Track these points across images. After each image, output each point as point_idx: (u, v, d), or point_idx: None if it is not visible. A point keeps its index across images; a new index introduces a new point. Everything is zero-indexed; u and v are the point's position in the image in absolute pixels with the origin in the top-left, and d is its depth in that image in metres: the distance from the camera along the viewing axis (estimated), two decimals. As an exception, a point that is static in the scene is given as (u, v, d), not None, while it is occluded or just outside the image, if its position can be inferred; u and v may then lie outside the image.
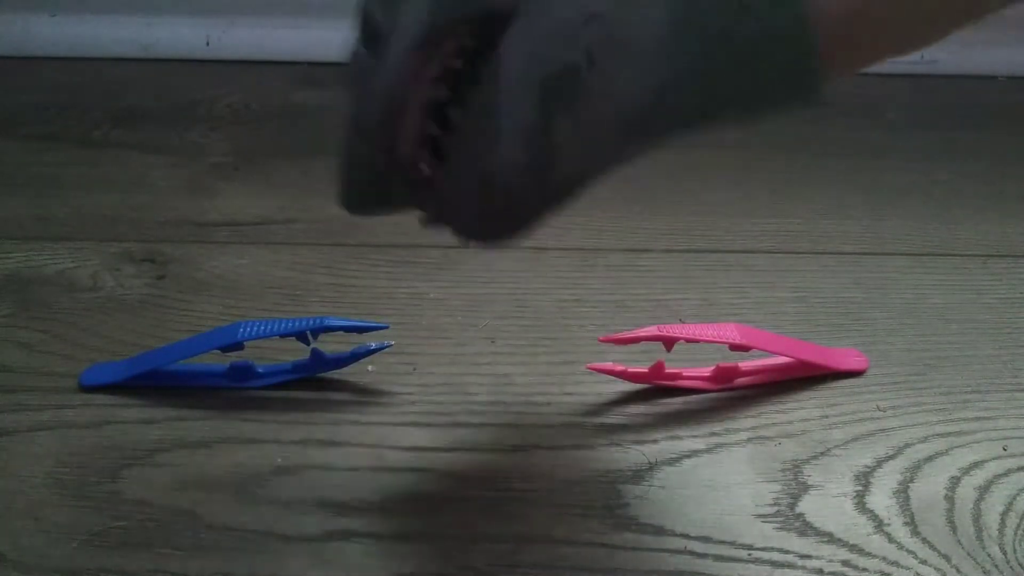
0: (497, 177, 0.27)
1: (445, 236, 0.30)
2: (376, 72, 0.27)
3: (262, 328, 0.39)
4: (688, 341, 0.39)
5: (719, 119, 0.26)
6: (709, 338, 0.39)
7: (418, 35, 0.26)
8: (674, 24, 0.25)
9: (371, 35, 0.27)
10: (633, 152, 0.27)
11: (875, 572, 0.34)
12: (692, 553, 0.34)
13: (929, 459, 0.38)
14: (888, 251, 0.49)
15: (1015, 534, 0.35)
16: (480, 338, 0.43)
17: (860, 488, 0.37)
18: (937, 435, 0.39)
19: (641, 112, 0.26)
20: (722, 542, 0.35)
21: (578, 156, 0.27)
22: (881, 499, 0.36)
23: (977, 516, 0.36)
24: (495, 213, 0.28)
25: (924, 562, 0.34)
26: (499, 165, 0.27)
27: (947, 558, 0.34)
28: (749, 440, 0.39)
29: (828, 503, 0.36)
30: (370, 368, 0.41)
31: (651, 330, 0.39)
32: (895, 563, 0.34)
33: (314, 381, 0.41)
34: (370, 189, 0.31)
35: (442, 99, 0.27)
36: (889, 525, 0.35)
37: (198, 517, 0.35)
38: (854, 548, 0.35)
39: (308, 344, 0.39)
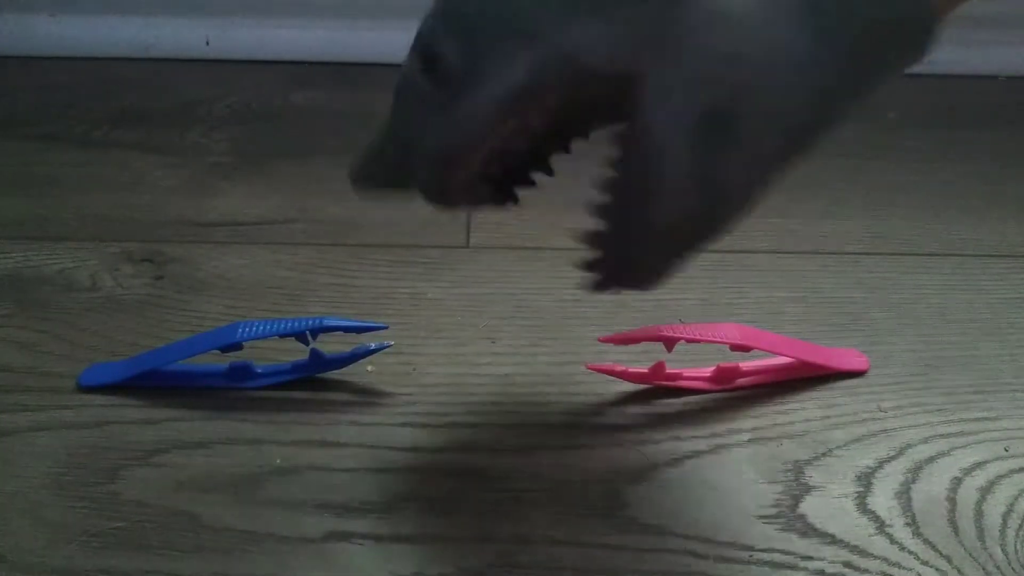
0: (671, 228, 0.28)
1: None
2: (447, 110, 0.28)
3: (261, 328, 0.39)
4: (688, 341, 0.39)
5: (864, 99, 0.27)
6: (709, 338, 0.39)
7: (509, 91, 0.27)
8: (815, 31, 0.25)
9: (440, 71, 0.28)
10: (795, 164, 0.28)
11: (876, 573, 0.34)
12: (693, 554, 0.34)
13: (931, 460, 0.38)
14: (888, 251, 0.49)
15: (1016, 535, 0.35)
16: (480, 338, 0.43)
17: (861, 489, 0.37)
18: (938, 436, 0.39)
19: (804, 127, 0.27)
20: (723, 543, 0.35)
21: (746, 187, 0.28)
22: (883, 500, 0.36)
23: (979, 517, 0.36)
24: (662, 261, 0.29)
25: (926, 563, 0.34)
26: (671, 216, 0.28)
27: (949, 559, 0.34)
28: (750, 441, 0.39)
29: (829, 504, 0.36)
30: (369, 368, 0.41)
31: (651, 330, 0.39)
32: (897, 564, 0.34)
33: (313, 381, 0.41)
34: (385, 181, 0.32)
35: (518, 150, 0.29)
36: (891, 526, 0.35)
37: (197, 518, 0.35)
38: (855, 549, 0.35)
39: (307, 344, 0.39)
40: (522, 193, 0.34)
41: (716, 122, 0.26)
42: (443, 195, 0.30)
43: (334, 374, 0.41)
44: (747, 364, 0.41)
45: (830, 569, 0.34)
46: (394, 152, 0.30)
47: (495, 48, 0.27)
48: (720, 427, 0.39)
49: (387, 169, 0.31)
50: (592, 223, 0.29)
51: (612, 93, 0.27)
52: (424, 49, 0.28)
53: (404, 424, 0.39)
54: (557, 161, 0.55)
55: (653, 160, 0.26)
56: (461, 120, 0.28)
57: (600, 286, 0.31)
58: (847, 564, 0.34)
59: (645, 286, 0.30)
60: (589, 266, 0.30)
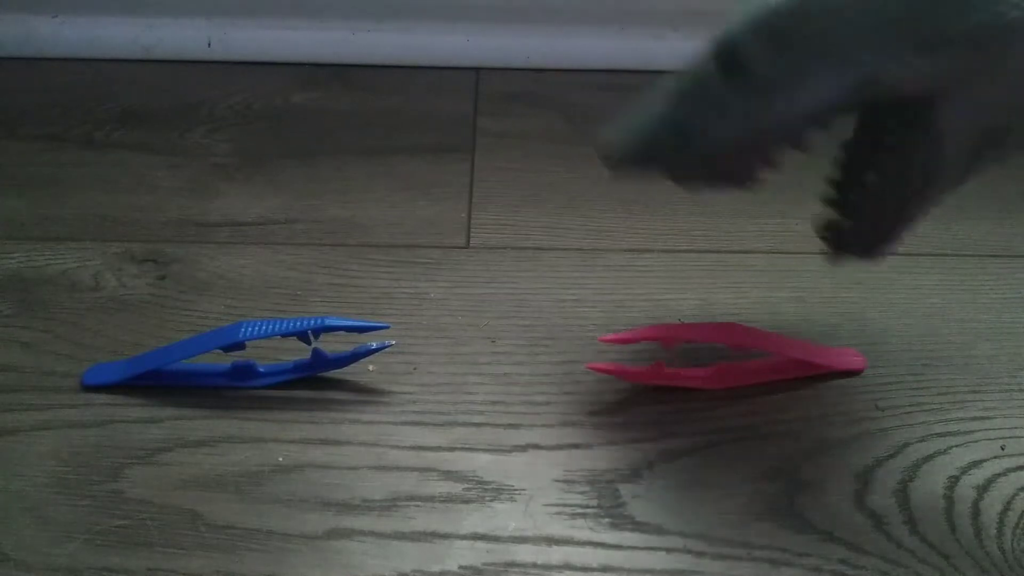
0: (923, 209, 0.35)
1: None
2: (750, 111, 0.32)
3: (263, 328, 0.39)
4: (687, 341, 0.39)
5: None
6: (708, 338, 0.39)
7: (820, 103, 0.32)
8: None
9: (746, 76, 0.32)
10: None
11: (873, 571, 0.34)
12: (690, 552, 0.35)
13: (928, 458, 0.38)
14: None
15: (1013, 533, 0.35)
16: (480, 338, 0.43)
17: (859, 487, 0.37)
18: (936, 434, 0.39)
19: None
20: (720, 540, 0.35)
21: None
22: (880, 498, 0.37)
23: (976, 515, 0.36)
24: (898, 231, 0.36)
25: (923, 561, 0.34)
26: (932, 199, 0.34)
27: (946, 557, 0.35)
28: (748, 439, 0.39)
29: (827, 502, 0.36)
30: (371, 368, 0.41)
31: (651, 330, 0.39)
32: (894, 562, 0.34)
33: (315, 380, 0.41)
34: (649, 161, 0.36)
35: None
36: (888, 524, 0.36)
37: (199, 516, 0.35)
38: (852, 547, 0.35)
39: (309, 344, 0.40)
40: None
41: (991, 135, 0.33)
42: (712, 177, 0.35)
43: (336, 373, 0.41)
44: (746, 363, 0.41)
45: (827, 566, 0.34)
46: (668, 137, 0.34)
47: (813, 66, 0.31)
48: (718, 426, 0.39)
49: (656, 150, 0.35)
50: (844, 201, 0.36)
51: (898, 104, 0.32)
52: (730, 55, 0.32)
53: (405, 423, 0.39)
54: (554, 168, 0.55)
55: (939, 157, 0.32)
56: (768, 120, 0.32)
57: (842, 252, 0.37)
58: (844, 562, 0.34)
59: (880, 254, 0.37)
60: (837, 234, 0.37)
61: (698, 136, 0.33)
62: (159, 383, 0.40)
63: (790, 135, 0.33)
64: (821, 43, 0.31)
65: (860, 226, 0.36)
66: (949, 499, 0.37)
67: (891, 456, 0.38)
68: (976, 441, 0.39)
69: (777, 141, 0.33)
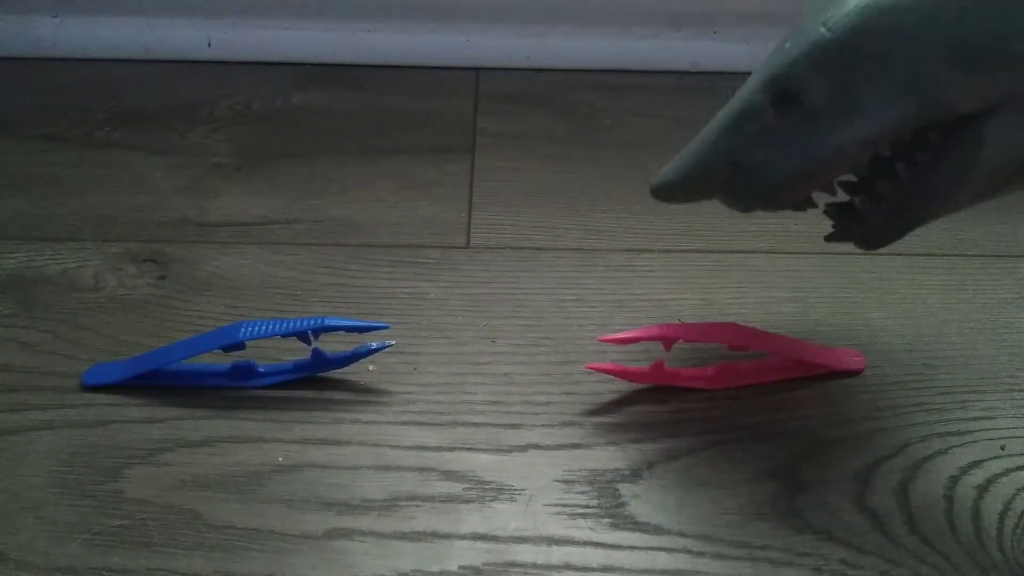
0: (948, 210, 0.35)
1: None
2: (807, 141, 0.32)
3: (263, 328, 0.39)
4: (687, 341, 0.39)
5: None
6: (708, 338, 0.39)
7: (879, 131, 0.32)
8: None
9: (800, 106, 0.32)
10: None
11: (873, 570, 0.34)
12: (690, 552, 0.35)
13: (928, 458, 0.38)
14: (887, 251, 0.49)
15: (1014, 533, 0.35)
16: (480, 338, 0.43)
17: (859, 487, 0.37)
18: (936, 435, 0.39)
19: None
20: (720, 540, 0.35)
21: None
22: (880, 498, 0.37)
23: (976, 515, 0.36)
24: (909, 227, 0.35)
25: (923, 561, 0.34)
26: (962, 201, 0.34)
27: (946, 557, 0.35)
28: (748, 439, 0.39)
29: (826, 502, 0.36)
30: (371, 368, 0.42)
31: (651, 330, 0.39)
32: (893, 562, 0.34)
33: (315, 380, 0.41)
34: (699, 193, 0.36)
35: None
36: (888, 524, 0.36)
37: (200, 516, 0.35)
38: (852, 547, 0.35)
39: (309, 344, 0.40)
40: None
41: None
42: (769, 204, 0.35)
43: (336, 373, 0.41)
44: (746, 363, 0.41)
45: (827, 566, 0.34)
46: (720, 169, 0.34)
47: (870, 95, 0.31)
48: (718, 426, 0.39)
49: (708, 183, 0.35)
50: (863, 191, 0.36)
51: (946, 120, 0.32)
52: (783, 87, 0.32)
53: (405, 423, 0.39)
54: (554, 168, 0.55)
55: (974, 169, 0.32)
56: (826, 151, 0.32)
57: (846, 236, 0.37)
58: (844, 561, 0.34)
59: (871, 245, 0.37)
60: (848, 218, 0.37)
61: (756, 171, 0.34)
62: (159, 383, 0.40)
63: (849, 162, 0.33)
64: (878, 72, 0.31)
65: (875, 217, 0.35)
66: (949, 499, 0.37)
67: (891, 456, 0.38)
68: (976, 441, 0.39)
69: (836, 168, 0.33)
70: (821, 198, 0.36)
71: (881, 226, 0.36)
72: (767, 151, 0.33)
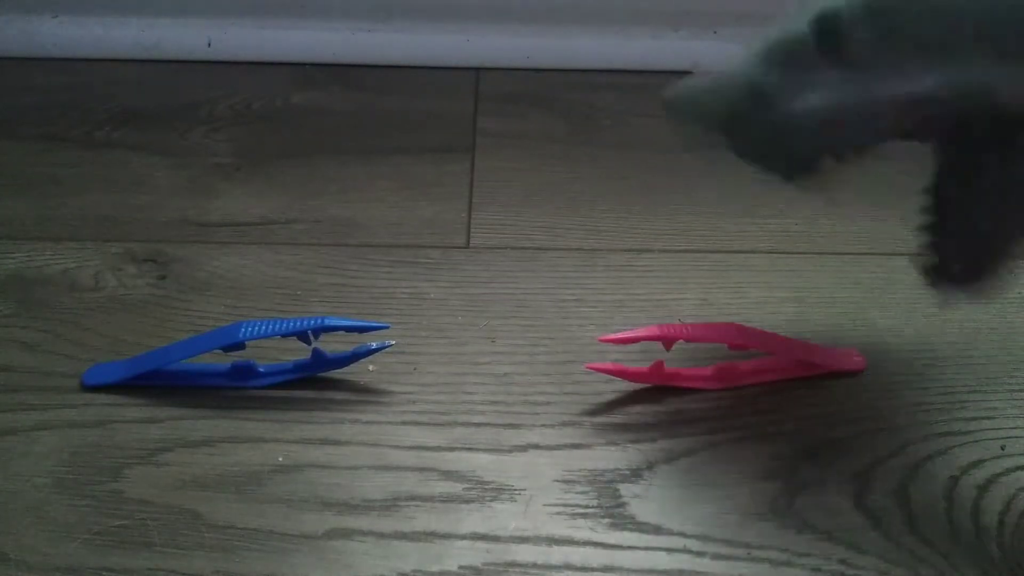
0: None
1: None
2: (840, 88, 0.31)
3: (263, 328, 0.39)
4: (687, 341, 0.39)
5: None
6: (708, 338, 0.39)
7: (913, 96, 0.30)
8: None
9: (844, 52, 0.31)
10: None
11: (873, 570, 0.34)
12: (690, 552, 0.35)
13: (928, 458, 0.38)
14: (888, 251, 0.49)
15: (1014, 533, 0.35)
16: (480, 338, 0.43)
17: (859, 487, 0.37)
18: (936, 434, 0.39)
19: None
20: (720, 540, 0.35)
21: None
22: (880, 498, 0.37)
23: (976, 515, 0.36)
24: (999, 260, 0.34)
25: (923, 561, 0.34)
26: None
27: (945, 557, 0.35)
28: (748, 439, 0.39)
29: (826, 501, 0.36)
30: (371, 368, 0.42)
31: (651, 330, 0.39)
32: (893, 562, 0.34)
33: (315, 380, 0.41)
34: (714, 120, 0.35)
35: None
36: (888, 524, 0.36)
37: (200, 516, 0.35)
38: (852, 546, 0.35)
39: (309, 344, 0.40)
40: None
41: None
42: (777, 156, 0.34)
43: (336, 373, 0.41)
44: (745, 363, 0.41)
45: (826, 566, 0.34)
46: (748, 98, 0.33)
47: (919, 57, 0.30)
48: (718, 425, 0.39)
49: (725, 106, 0.33)
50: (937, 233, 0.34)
51: (1001, 120, 0.31)
52: (831, 27, 0.31)
53: (405, 423, 0.39)
54: (554, 168, 0.55)
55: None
56: (856, 102, 0.31)
57: (943, 281, 0.35)
58: (843, 561, 0.34)
59: (985, 282, 0.35)
60: (937, 262, 0.35)
61: (781, 103, 0.32)
62: (159, 383, 0.40)
63: (874, 123, 0.32)
64: (930, 37, 0.30)
65: (961, 251, 0.34)
66: (949, 499, 0.37)
67: (891, 456, 0.38)
68: (976, 441, 0.39)
69: (859, 128, 0.32)
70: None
71: (976, 261, 0.34)
72: (795, 84, 0.32)
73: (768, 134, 0.33)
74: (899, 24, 0.30)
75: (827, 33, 0.31)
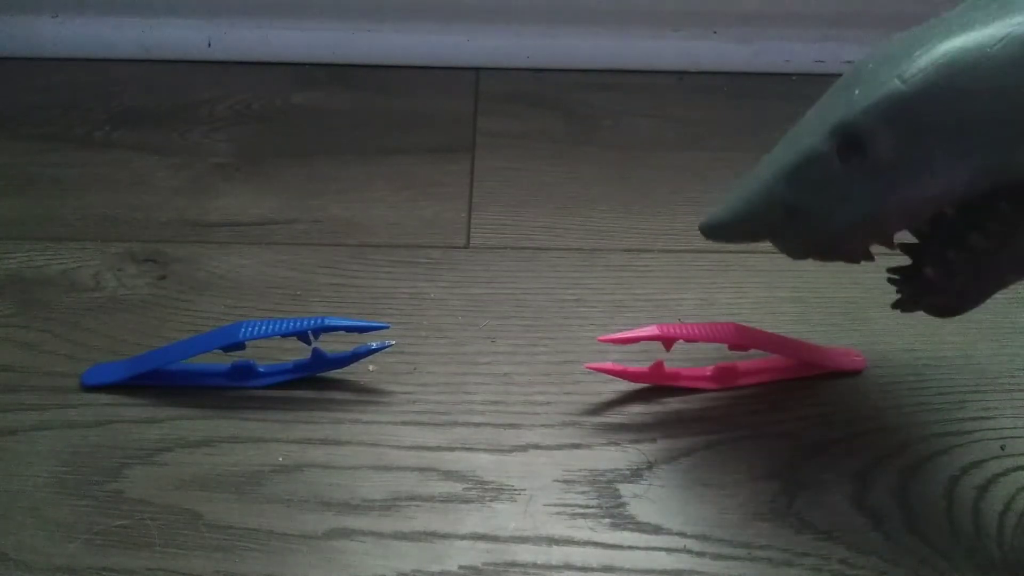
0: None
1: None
2: (871, 192, 0.31)
3: (263, 328, 0.39)
4: (687, 341, 0.39)
5: None
6: (708, 338, 0.39)
7: (947, 190, 0.31)
8: None
9: (867, 157, 0.31)
10: None
11: (873, 571, 0.34)
12: (690, 552, 0.35)
13: (928, 458, 0.38)
14: (886, 252, 0.49)
15: (1014, 534, 0.35)
16: (480, 338, 0.43)
17: (859, 487, 0.37)
18: (935, 435, 0.39)
19: None
20: (720, 540, 0.35)
21: None
22: (879, 498, 0.37)
23: (976, 516, 0.36)
24: (988, 295, 0.34)
25: (923, 561, 0.34)
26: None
27: (945, 557, 0.35)
28: (748, 439, 0.39)
29: (826, 501, 0.36)
30: (371, 368, 0.42)
31: (650, 330, 0.39)
32: (893, 562, 0.34)
33: (315, 380, 0.41)
34: (750, 236, 0.36)
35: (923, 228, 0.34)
36: (887, 524, 0.36)
37: (200, 516, 0.35)
38: (852, 546, 0.35)
39: (309, 344, 0.40)
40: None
41: None
42: (824, 254, 0.35)
43: (336, 373, 0.41)
44: (745, 363, 0.41)
45: (826, 566, 0.34)
46: (780, 217, 0.34)
47: (942, 152, 0.30)
48: (718, 425, 0.39)
49: (762, 226, 0.35)
50: (935, 260, 0.34)
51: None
52: (850, 136, 0.31)
53: (405, 423, 0.39)
54: (554, 168, 0.55)
55: None
56: (892, 205, 0.31)
57: (919, 304, 0.36)
58: (843, 561, 0.34)
59: (945, 313, 0.36)
60: (918, 285, 0.35)
61: (814, 219, 0.33)
62: (159, 383, 0.40)
63: (913, 219, 0.32)
64: (950, 130, 0.30)
65: (949, 287, 0.34)
66: (949, 499, 0.37)
67: (891, 456, 0.38)
68: (976, 441, 0.39)
69: (898, 224, 0.32)
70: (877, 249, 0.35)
71: (957, 297, 0.34)
72: (828, 200, 0.32)
73: (813, 242, 0.34)
74: (921, 123, 0.30)
75: (847, 145, 0.31)
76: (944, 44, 0.30)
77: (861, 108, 0.31)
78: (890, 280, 0.36)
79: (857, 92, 0.31)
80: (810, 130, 0.33)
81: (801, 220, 0.33)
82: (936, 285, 0.34)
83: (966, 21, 0.31)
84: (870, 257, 0.35)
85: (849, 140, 0.31)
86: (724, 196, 0.36)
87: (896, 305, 0.36)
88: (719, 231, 0.36)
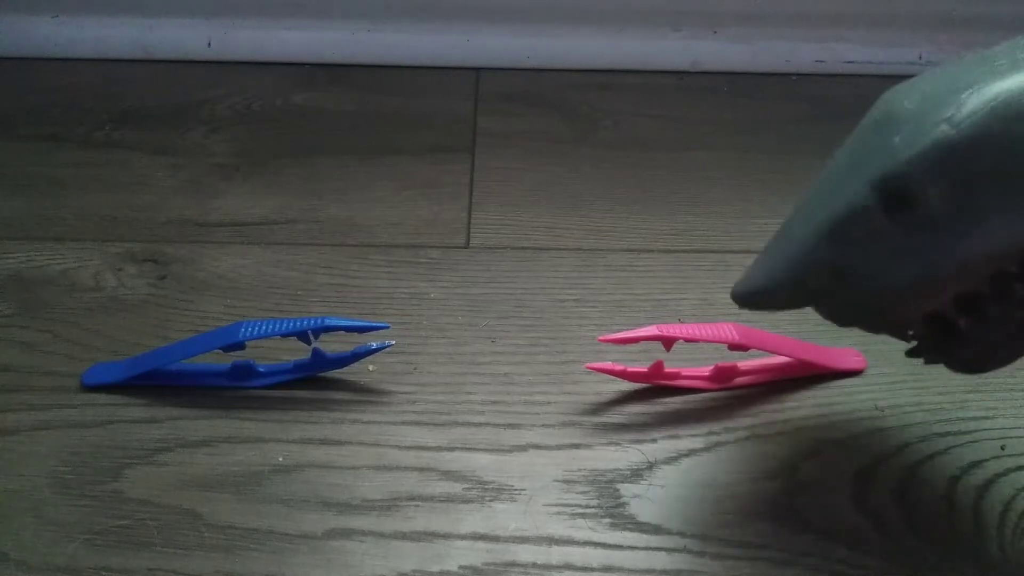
0: None
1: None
2: (924, 251, 0.29)
3: (263, 328, 0.39)
4: (687, 341, 0.39)
5: None
6: (708, 338, 0.39)
7: (1005, 244, 0.28)
8: None
9: (915, 213, 0.28)
10: None
11: (873, 571, 0.34)
12: (690, 552, 0.35)
13: (928, 458, 0.38)
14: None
15: (1014, 533, 0.35)
16: (480, 338, 0.43)
17: (859, 487, 0.37)
18: (936, 434, 0.39)
19: None
20: (720, 540, 0.35)
21: None
22: (880, 498, 0.37)
23: (976, 516, 0.36)
24: (1017, 355, 0.32)
25: (923, 561, 0.34)
26: None
27: (946, 557, 0.35)
28: (748, 439, 0.39)
29: (826, 501, 0.36)
30: (371, 368, 0.42)
31: (650, 330, 0.39)
32: (893, 561, 0.34)
33: (315, 380, 0.41)
34: (792, 299, 0.33)
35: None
36: (888, 524, 0.36)
37: (199, 516, 0.35)
38: (852, 547, 0.35)
39: (309, 344, 0.40)
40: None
41: None
42: (873, 322, 0.32)
43: (336, 373, 0.41)
44: (745, 363, 0.41)
45: (826, 566, 0.34)
46: (821, 277, 0.30)
47: (997, 204, 0.28)
48: (718, 426, 0.39)
49: (805, 292, 0.32)
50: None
51: None
52: (897, 188, 0.28)
53: (405, 423, 0.39)
54: (554, 168, 0.55)
55: None
56: (947, 263, 0.29)
57: (928, 358, 0.33)
58: (844, 562, 0.34)
59: (971, 371, 0.33)
60: (944, 342, 0.32)
61: (867, 280, 0.30)
62: (159, 383, 0.40)
63: (972, 276, 0.29)
64: (1007, 179, 0.27)
65: (983, 341, 0.31)
66: (949, 499, 0.37)
67: (891, 456, 0.38)
68: (976, 441, 0.39)
69: (957, 283, 0.29)
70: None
71: (990, 352, 0.31)
72: (878, 260, 0.29)
73: (866, 306, 0.31)
74: (973, 172, 0.28)
75: (895, 197, 0.28)
76: (995, 85, 0.28)
77: (906, 158, 0.28)
78: (919, 337, 0.33)
79: (898, 139, 0.28)
80: (847, 181, 0.30)
81: (850, 284, 0.30)
82: (969, 337, 0.31)
83: (1016, 60, 0.28)
84: (921, 328, 0.32)
85: (895, 193, 0.28)
86: (756, 259, 0.33)
87: (913, 354, 0.34)
88: (757, 299, 0.33)
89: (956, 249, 0.28)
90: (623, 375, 0.40)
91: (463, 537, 0.35)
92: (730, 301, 0.46)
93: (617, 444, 0.39)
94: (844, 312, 0.32)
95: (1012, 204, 0.28)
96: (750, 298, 0.33)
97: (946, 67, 0.30)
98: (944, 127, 0.28)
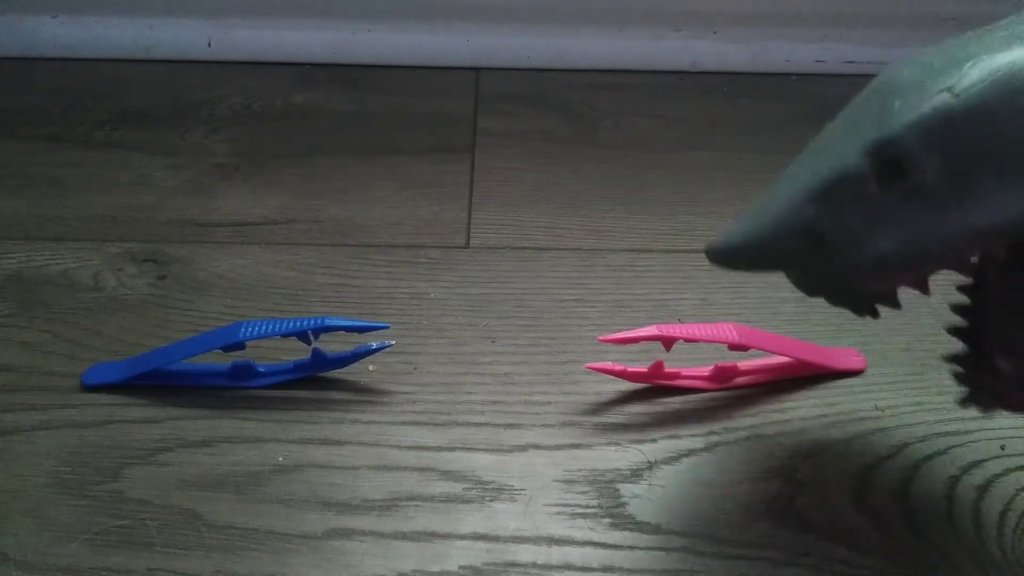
0: None
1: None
2: (913, 221, 0.28)
3: (263, 328, 0.39)
4: (687, 341, 0.39)
5: None
6: (708, 338, 0.39)
7: (998, 222, 0.27)
8: None
9: (909, 183, 0.27)
10: None
11: (874, 571, 0.34)
12: (691, 551, 0.35)
13: (928, 458, 0.38)
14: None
15: (1014, 533, 0.35)
16: (480, 338, 0.43)
17: (859, 487, 0.37)
18: (936, 434, 0.39)
19: None
20: (720, 540, 0.35)
21: None
22: (880, 498, 0.37)
23: (976, 516, 0.36)
24: None
25: (923, 561, 0.34)
26: None
27: (946, 557, 0.35)
28: (748, 439, 0.39)
29: (826, 502, 0.36)
30: (371, 368, 0.42)
31: (650, 330, 0.39)
32: (893, 561, 0.34)
33: (315, 380, 0.41)
34: (768, 264, 0.31)
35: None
36: (888, 524, 0.36)
37: (199, 516, 0.35)
38: (852, 547, 0.35)
39: (309, 344, 0.40)
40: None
41: None
42: (845, 292, 0.31)
43: (336, 373, 0.41)
44: (745, 363, 0.41)
45: (826, 566, 0.34)
46: (798, 240, 0.29)
47: (994, 178, 0.27)
48: (718, 426, 0.39)
49: (780, 254, 0.30)
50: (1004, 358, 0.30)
51: None
52: (892, 155, 0.27)
53: (405, 423, 0.39)
54: (554, 168, 0.55)
55: None
56: (937, 236, 0.27)
57: (995, 404, 0.32)
58: (844, 562, 0.34)
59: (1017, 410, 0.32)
60: (991, 386, 0.31)
61: (843, 248, 0.29)
62: (159, 383, 0.40)
63: (957, 255, 0.28)
64: (1005, 152, 0.27)
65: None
66: (949, 499, 0.37)
67: (891, 456, 0.38)
68: (976, 441, 0.39)
69: (939, 260, 0.28)
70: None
71: None
72: (860, 227, 0.28)
73: (836, 276, 0.30)
74: (971, 143, 0.27)
75: (889, 163, 0.28)
76: (998, 57, 0.27)
77: (904, 123, 0.27)
78: (955, 375, 0.32)
79: (898, 104, 0.28)
80: (840, 145, 0.29)
81: (826, 250, 0.29)
82: (1011, 376, 0.30)
83: (1019, 33, 0.27)
84: (896, 304, 0.31)
85: (890, 158, 0.27)
86: (736, 216, 0.32)
87: (966, 403, 0.32)
88: (728, 256, 0.32)
89: (942, 224, 0.27)
90: (623, 375, 0.40)
91: (463, 537, 0.35)
92: (730, 301, 0.46)
93: (617, 444, 0.39)
94: (815, 280, 0.31)
95: (1005, 180, 0.27)
96: (723, 254, 0.32)
97: (948, 41, 0.29)
98: (945, 95, 0.27)
